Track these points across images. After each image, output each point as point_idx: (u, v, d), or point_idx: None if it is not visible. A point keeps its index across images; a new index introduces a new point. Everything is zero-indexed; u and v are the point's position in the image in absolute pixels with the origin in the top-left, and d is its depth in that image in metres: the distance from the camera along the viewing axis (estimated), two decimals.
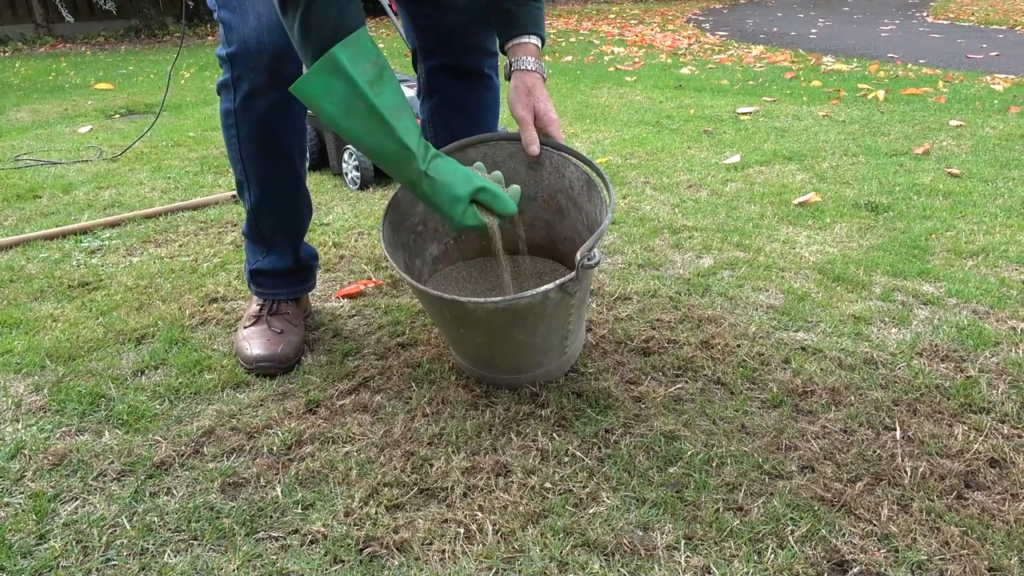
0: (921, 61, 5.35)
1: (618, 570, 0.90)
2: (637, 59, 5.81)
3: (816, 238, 1.93)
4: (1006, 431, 1.14)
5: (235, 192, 2.37)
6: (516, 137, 1.32)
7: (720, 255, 1.83)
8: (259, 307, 1.43)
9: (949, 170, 2.47)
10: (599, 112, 3.71)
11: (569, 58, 6.01)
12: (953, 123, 3.19)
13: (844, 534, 0.94)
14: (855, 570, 0.88)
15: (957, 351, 1.36)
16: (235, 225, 2.14)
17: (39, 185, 2.55)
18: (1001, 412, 1.18)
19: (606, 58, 5.95)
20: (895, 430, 1.14)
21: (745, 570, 0.89)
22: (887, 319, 1.49)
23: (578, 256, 1.07)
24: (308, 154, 2.69)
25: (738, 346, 1.39)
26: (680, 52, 6.24)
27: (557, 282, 1.08)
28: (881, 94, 3.88)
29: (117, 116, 3.95)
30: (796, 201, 2.20)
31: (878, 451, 1.09)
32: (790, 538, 0.94)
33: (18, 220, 2.20)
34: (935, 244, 1.86)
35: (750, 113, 3.55)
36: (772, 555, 0.91)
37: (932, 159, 2.64)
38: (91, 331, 1.50)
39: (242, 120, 1.28)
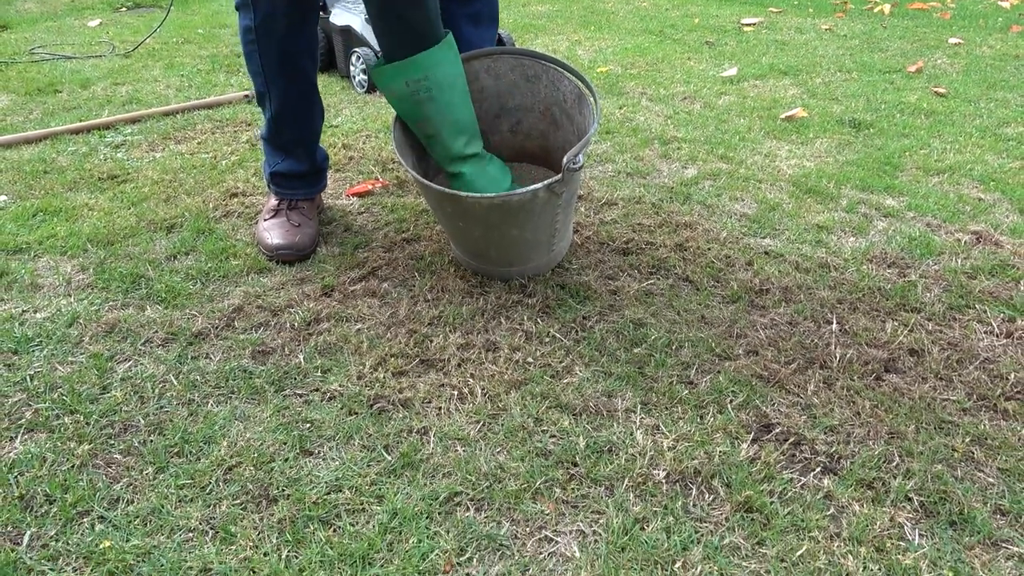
0: None
1: (584, 427, 1.09)
2: None
3: (796, 152, 2.05)
4: (930, 327, 1.31)
5: (247, 92, 2.47)
6: (519, 51, 1.44)
7: (704, 166, 1.96)
8: (277, 202, 1.58)
9: (936, 89, 2.55)
10: (604, 19, 3.72)
11: None
12: (952, 40, 3.23)
13: (774, 404, 1.13)
14: (777, 430, 1.07)
15: (904, 258, 1.52)
16: (249, 124, 2.26)
17: (57, 80, 2.65)
18: (930, 312, 1.35)
19: None
20: (833, 323, 1.31)
21: (688, 429, 1.08)
22: (847, 229, 1.64)
23: (565, 160, 1.21)
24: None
25: (708, 249, 1.55)
26: None
27: (546, 182, 1.23)
28: (887, 8, 3.87)
29: (124, 9, 3.96)
30: (783, 116, 2.30)
31: (815, 340, 1.27)
32: (728, 406, 1.12)
33: (43, 114, 2.32)
34: (907, 161, 1.98)
35: (754, 24, 3.57)
36: (712, 418, 1.10)
37: (923, 77, 2.72)
38: (124, 220, 1.65)
39: (262, 38, 1.39)
